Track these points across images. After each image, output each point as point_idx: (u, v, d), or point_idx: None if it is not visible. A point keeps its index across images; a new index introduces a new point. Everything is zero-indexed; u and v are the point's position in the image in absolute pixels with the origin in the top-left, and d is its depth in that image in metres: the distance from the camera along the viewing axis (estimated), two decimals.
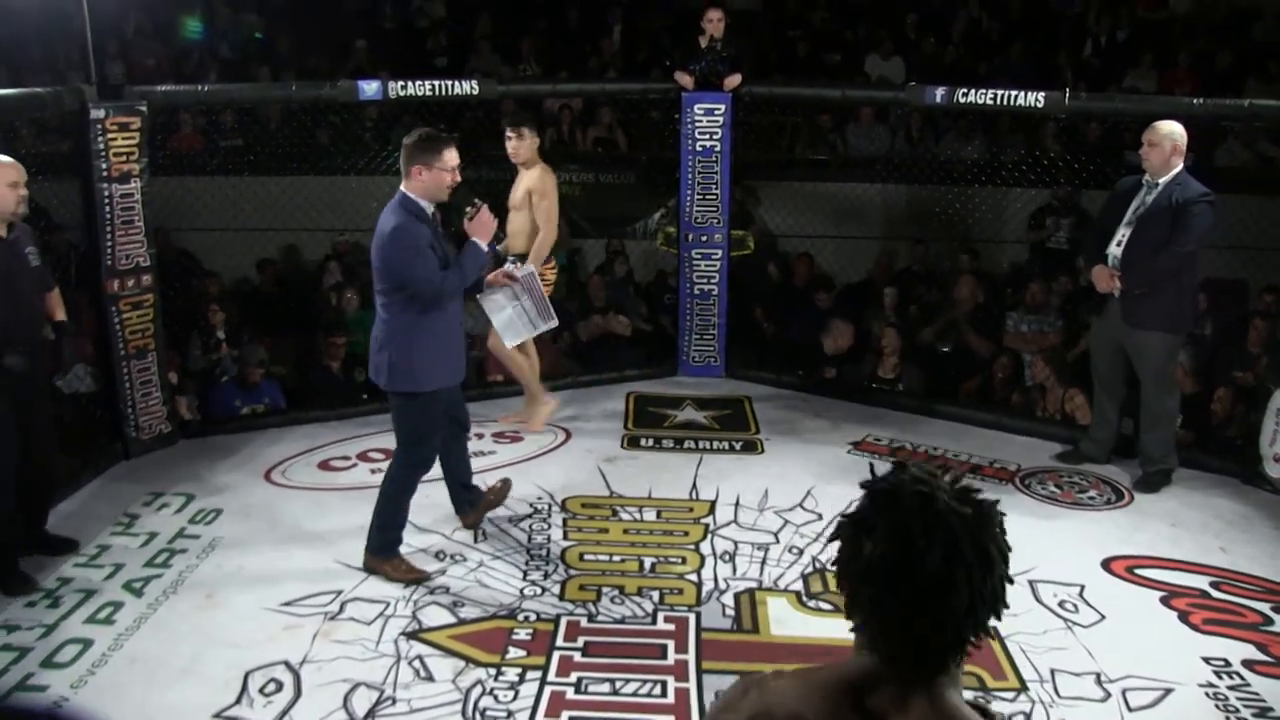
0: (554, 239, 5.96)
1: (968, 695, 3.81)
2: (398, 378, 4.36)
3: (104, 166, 5.47)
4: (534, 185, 5.88)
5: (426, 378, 4.37)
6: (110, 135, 5.46)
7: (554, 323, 5.68)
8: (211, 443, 6.03)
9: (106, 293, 5.58)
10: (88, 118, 5.40)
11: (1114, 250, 5.38)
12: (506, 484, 5.05)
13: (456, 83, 6.53)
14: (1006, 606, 1.37)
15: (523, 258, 5.85)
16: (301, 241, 9.33)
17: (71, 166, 5.62)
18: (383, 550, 4.56)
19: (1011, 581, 1.38)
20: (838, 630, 1.82)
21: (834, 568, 1.42)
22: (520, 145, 5.88)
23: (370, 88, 6.30)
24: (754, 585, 4.52)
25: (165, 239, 8.07)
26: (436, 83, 6.45)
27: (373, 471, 5.62)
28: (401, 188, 4.32)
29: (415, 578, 4.51)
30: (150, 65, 10.11)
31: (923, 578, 1.31)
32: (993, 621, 1.37)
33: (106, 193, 5.50)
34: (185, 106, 8.34)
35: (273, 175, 8.61)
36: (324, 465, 5.77)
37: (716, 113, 6.95)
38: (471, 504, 4.98)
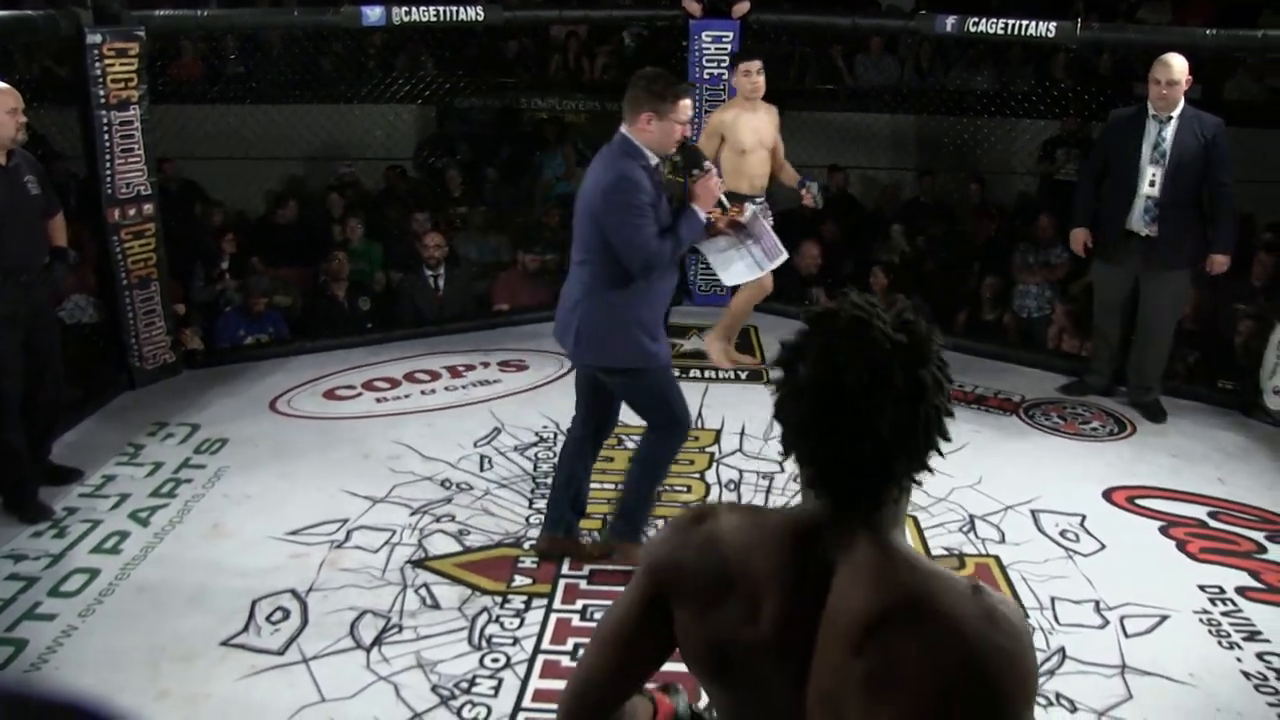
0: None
1: None
2: (590, 350, 3.84)
3: (102, 93, 5.40)
4: (775, 121, 5.95)
5: (625, 352, 3.80)
6: (108, 61, 5.38)
7: (783, 257, 4.99)
8: (216, 373, 6.03)
9: (107, 222, 5.54)
10: (84, 42, 5.32)
11: (1149, 191, 5.22)
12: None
13: (461, 8, 6.43)
14: (946, 439, 1.34)
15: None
16: (305, 171, 9.27)
17: (69, 93, 5.56)
18: (634, 536, 4.11)
19: (950, 415, 1.35)
20: None
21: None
22: (761, 79, 5.75)
23: (374, 13, 6.20)
24: None
25: (174, 169, 8.05)
26: (441, 8, 6.35)
27: (377, 400, 5.65)
28: (625, 131, 3.76)
29: None
30: None
31: (847, 398, 1.29)
32: (931, 458, 1.34)
33: (105, 120, 5.44)
34: (185, 32, 8.22)
35: (276, 104, 8.54)
36: (329, 394, 5.78)
37: (724, 40, 6.86)
38: (566, 529, 4.22)
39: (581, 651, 3.60)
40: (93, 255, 5.80)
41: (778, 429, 1.39)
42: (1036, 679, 1.31)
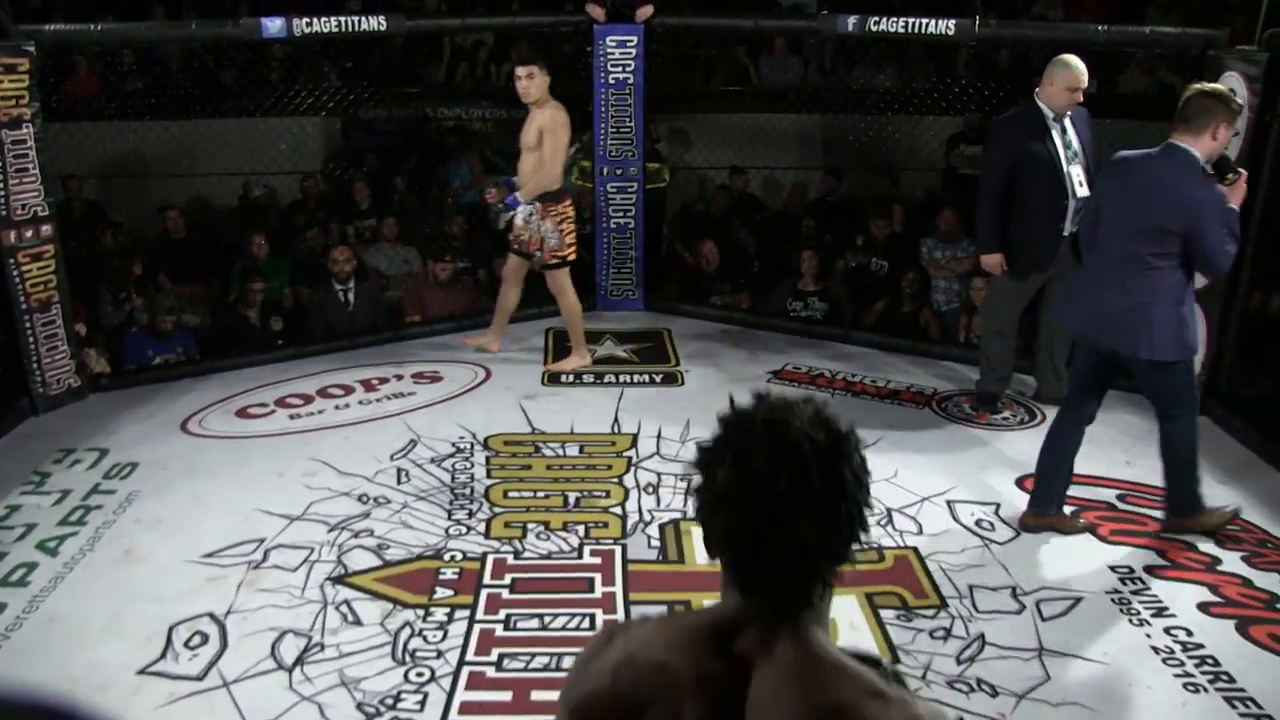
0: (555, 176, 5.89)
1: (889, 615, 3.88)
2: (1171, 346, 4.08)
3: None
4: (545, 124, 5.83)
5: (1195, 340, 4.19)
6: None
7: None
8: (124, 395, 5.88)
9: (3, 245, 5.36)
10: None
11: (1082, 193, 5.11)
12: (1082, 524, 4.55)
13: (363, 19, 6.36)
14: (866, 531, 1.35)
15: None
16: (208, 186, 9.08)
17: None
18: (1195, 508, 4.43)
19: (870, 509, 1.35)
20: None
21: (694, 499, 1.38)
22: (531, 85, 5.79)
23: (274, 25, 6.09)
24: (678, 516, 4.56)
25: (79, 187, 7.84)
26: (342, 19, 6.27)
27: (291, 417, 5.56)
28: (1183, 143, 3.96)
29: (1224, 520, 4.46)
30: (38, 4, 9.68)
31: (768, 505, 1.28)
32: (854, 545, 1.34)
33: None
34: (78, 47, 8.01)
35: (176, 119, 8.37)
36: (241, 413, 5.67)
37: (629, 45, 6.88)
38: (1054, 501, 4.53)
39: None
40: None
41: (699, 525, 1.37)
42: None
